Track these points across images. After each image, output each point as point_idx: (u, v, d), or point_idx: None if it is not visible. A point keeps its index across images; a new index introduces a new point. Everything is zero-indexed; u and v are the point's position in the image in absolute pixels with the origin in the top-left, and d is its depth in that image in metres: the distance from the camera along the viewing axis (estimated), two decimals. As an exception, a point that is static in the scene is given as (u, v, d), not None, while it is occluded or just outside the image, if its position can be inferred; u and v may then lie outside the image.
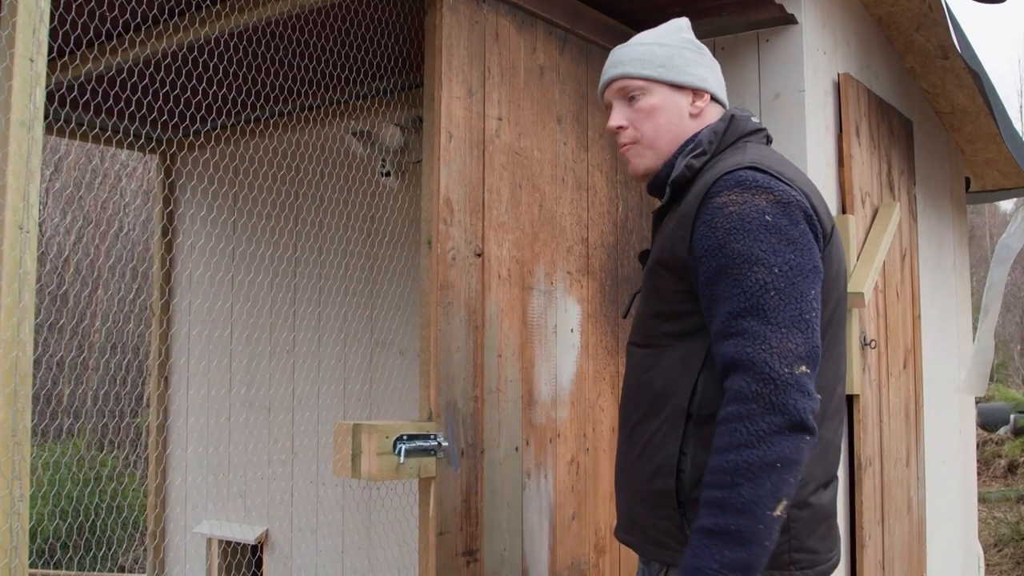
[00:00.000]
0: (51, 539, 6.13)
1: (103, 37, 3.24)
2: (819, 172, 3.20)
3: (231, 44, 3.25)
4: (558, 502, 2.67)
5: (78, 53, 3.33)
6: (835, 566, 1.76)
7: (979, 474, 8.98)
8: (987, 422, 10.66)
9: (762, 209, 1.61)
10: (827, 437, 1.72)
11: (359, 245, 4.07)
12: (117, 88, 3.70)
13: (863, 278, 3.21)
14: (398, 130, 3.78)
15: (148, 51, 3.16)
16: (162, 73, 3.57)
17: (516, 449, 2.54)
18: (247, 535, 4.41)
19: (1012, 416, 10.62)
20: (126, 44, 3.17)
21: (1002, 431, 10.68)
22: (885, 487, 3.47)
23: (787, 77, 3.19)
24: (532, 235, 2.66)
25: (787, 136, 3.15)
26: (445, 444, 2.32)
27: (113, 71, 3.45)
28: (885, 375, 3.53)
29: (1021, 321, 16.68)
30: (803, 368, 1.53)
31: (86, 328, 8.93)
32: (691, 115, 1.86)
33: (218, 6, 2.94)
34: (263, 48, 3.36)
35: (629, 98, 1.88)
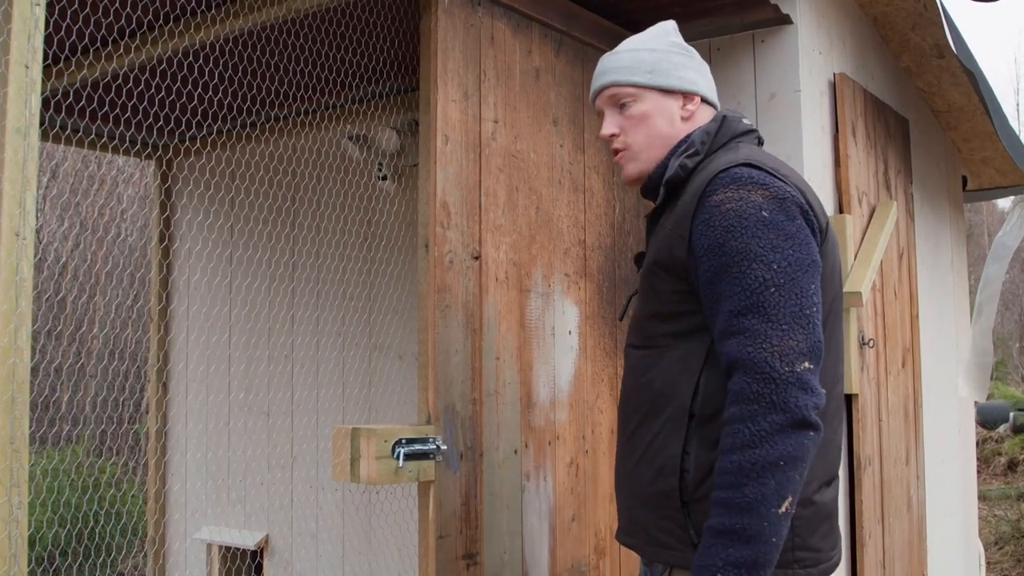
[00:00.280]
0: (50, 546, 6.12)
1: (98, 43, 3.24)
2: (815, 172, 3.20)
3: (226, 49, 3.25)
4: (557, 504, 2.66)
5: (73, 59, 3.33)
6: (836, 565, 1.76)
7: (979, 472, 8.99)
8: (986, 420, 10.66)
9: (759, 205, 1.62)
10: (827, 436, 1.73)
11: (356, 249, 4.07)
12: (112, 94, 3.70)
13: (861, 277, 3.21)
14: (394, 134, 3.79)
15: (144, 57, 3.16)
16: (157, 79, 3.57)
17: (515, 452, 2.53)
18: (247, 540, 4.40)
19: (1011, 414, 10.62)
20: (121, 50, 3.17)
21: (1002, 429, 10.68)
22: (885, 486, 3.47)
23: (783, 77, 3.19)
24: (529, 237, 2.66)
25: (783, 136, 3.16)
26: (444, 447, 2.32)
27: (109, 77, 3.45)
28: (884, 374, 3.53)
29: (1020, 319, 16.69)
30: (805, 364, 1.54)
31: (84, 334, 8.92)
32: (682, 118, 1.86)
33: (213, 11, 2.94)
34: (259, 53, 3.36)
35: (620, 105, 1.88)
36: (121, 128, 4.48)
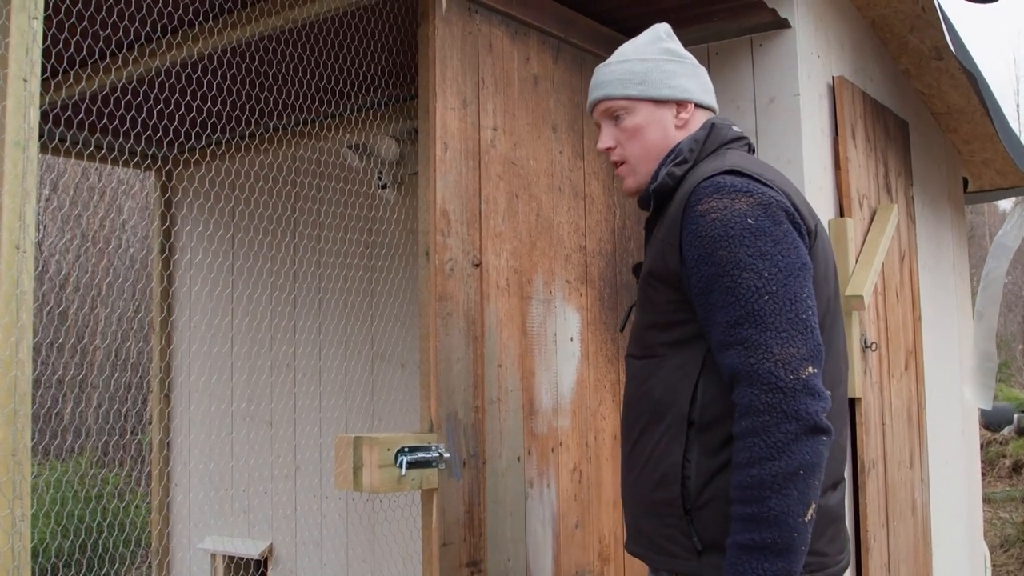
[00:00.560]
0: (54, 558, 6.12)
1: (96, 56, 3.25)
2: (815, 176, 3.20)
3: (225, 60, 3.26)
4: (561, 511, 2.66)
5: (72, 72, 3.33)
6: (845, 568, 1.76)
7: (984, 474, 8.95)
8: (991, 422, 10.63)
9: (744, 213, 1.62)
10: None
11: (358, 258, 4.07)
12: (112, 106, 3.71)
13: (862, 281, 3.21)
14: (394, 142, 3.79)
15: (142, 69, 3.16)
16: (156, 90, 3.58)
17: (518, 459, 2.53)
18: (251, 550, 4.40)
19: (1016, 416, 10.59)
20: (120, 62, 3.17)
21: (1006, 431, 10.65)
22: (889, 490, 3.46)
23: (781, 81, 3.19)
24: (530, 244, 2.66)
25: (783, 140, 3.16)
26: (447, 455, 2.31)
27: (108, 89, 3.45)
28: (887, 377, 3.53)
29: (1023, 321, 16.67)
30: (809, 369, 1.54)
31: (86, 346, 8.93)
32: (677, 127, 1.86)
33: (211, 23, 2.95)
34: (257, 63, 3.37)
35: (615, 117, 1.89)
36: (121, 140, 4.49)
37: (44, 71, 1.80)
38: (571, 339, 2.78)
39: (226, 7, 2.93)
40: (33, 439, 1.69)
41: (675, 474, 1.69)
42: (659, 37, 1.93)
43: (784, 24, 3.15)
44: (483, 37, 2.60)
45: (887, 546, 3.40)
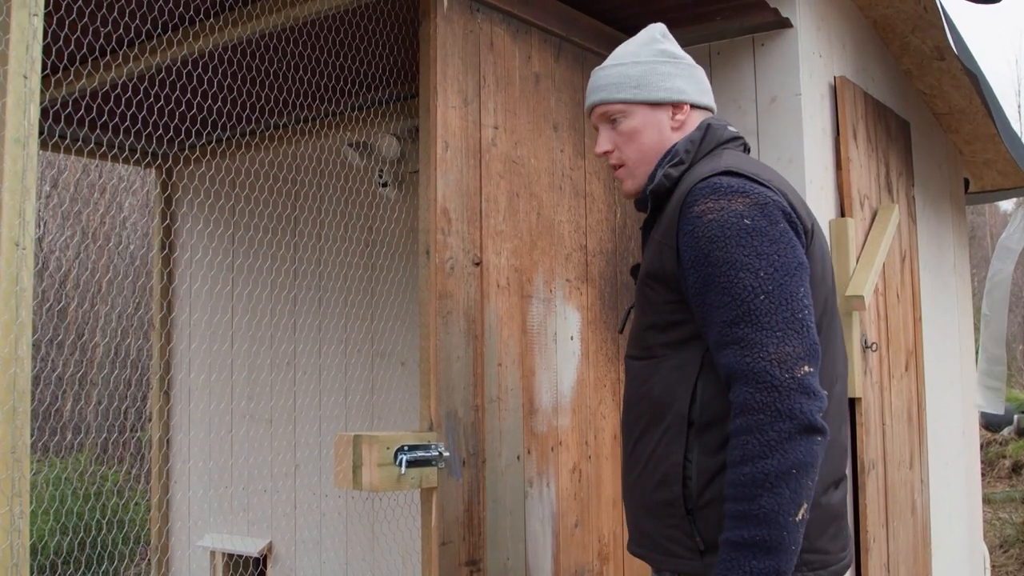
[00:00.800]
0: (53, 555, 6.11)
1: (97, 53, 3.24)
2: (817, 175, 3.20)
3: (226, 58, 3.25)
4: (561, 510, 2.66)
5: (72, 69, 3.33)
6: (847, 566, 1.76)
7: (983, 475, 8.95)
8: (991, 423, 10.63)
9: (740, 213, 1.62)
10: (830, 437, 1.72)
11: (358, 256, 4.07)
12: (113, 103, 3.70)
13: (863, 281, 3.20)
14: (395, 140, 3.78)
15: (143, 66, 3.16)
16: (157, 88, 3.57)
17: (518, 458, 2.53)
18: (250, 548, 4.39)
19: (1016, 416, 10.58)
20: (121, 59, 3.17)
21: (1006, 432, 10.65)
22: (889, 490, 3.46)
23: (783, 81, 3.19)
24: (530, 243, 2.66)
25: (784, 140, 3.15)
26: (446, 454, 2.31)
27: (108, 86, 3.45)
28: (887, 378, 3.53)
29: (1023, 321, 16.66)
30: (805, 368, 1.54)
31: (86, 343, 8.92)
32: (673, 128, 1.87)
33: (212, 20, 2.95)
34: (258, 61, 3.36)
35: (612, 121, 1.89)
36: (122, 137, 4.49)
37: (44, 68, 1.79)
38: (571, 338, 2.77)
39: (227, 4, 2.92)
40: (32, 436, 1.69)
41: (676, 475, 1.69)
42: (654, 38, 1.93)
43: (786, 24, 3.15)
44: (484, 35, 2.59)
45: (887, 546, 3.40)
